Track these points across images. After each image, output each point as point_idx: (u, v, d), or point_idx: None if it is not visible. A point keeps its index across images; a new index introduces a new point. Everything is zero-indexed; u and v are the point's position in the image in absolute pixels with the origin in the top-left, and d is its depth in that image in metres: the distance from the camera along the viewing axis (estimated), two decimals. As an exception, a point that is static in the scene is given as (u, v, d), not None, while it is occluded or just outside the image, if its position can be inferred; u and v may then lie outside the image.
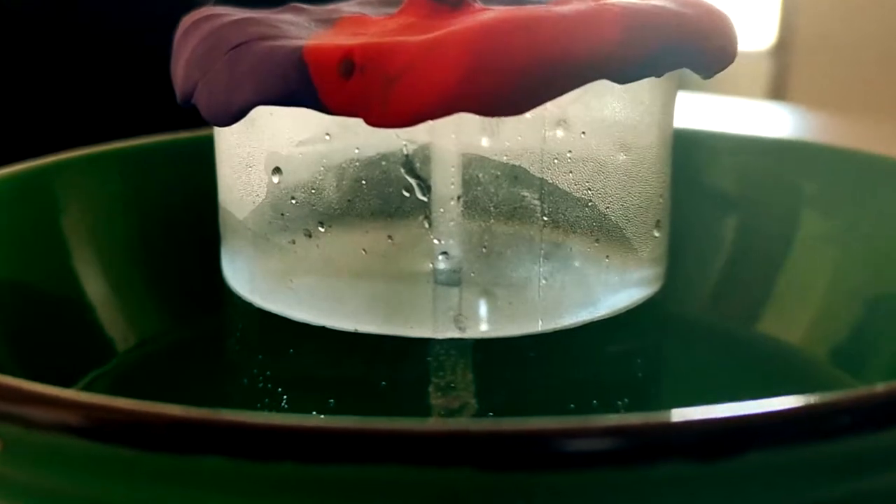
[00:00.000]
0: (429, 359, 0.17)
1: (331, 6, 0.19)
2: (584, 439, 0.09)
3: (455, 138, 0.15)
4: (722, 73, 0.16)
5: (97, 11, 0.34)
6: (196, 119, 0.18)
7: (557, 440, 0.09)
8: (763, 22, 1.31)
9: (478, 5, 0.16)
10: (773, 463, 0.10)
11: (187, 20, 0.17)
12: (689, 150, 0.22)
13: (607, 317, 0.16)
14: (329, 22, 0.17)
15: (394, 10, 0.18)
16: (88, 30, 0.34)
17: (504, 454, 0.09)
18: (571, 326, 0.16)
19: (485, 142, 0.15)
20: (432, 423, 0.09)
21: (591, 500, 0.10)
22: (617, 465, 0.09)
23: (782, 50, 1.27)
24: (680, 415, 0.10)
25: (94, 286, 0.21)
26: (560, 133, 0.15)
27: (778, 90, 1.26)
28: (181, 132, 0.23)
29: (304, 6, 0.18)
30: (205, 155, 0.19)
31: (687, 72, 0.16)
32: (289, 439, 0.10)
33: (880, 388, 0.10)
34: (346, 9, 0.18)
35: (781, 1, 1.27)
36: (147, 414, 0.10)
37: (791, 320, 0.21)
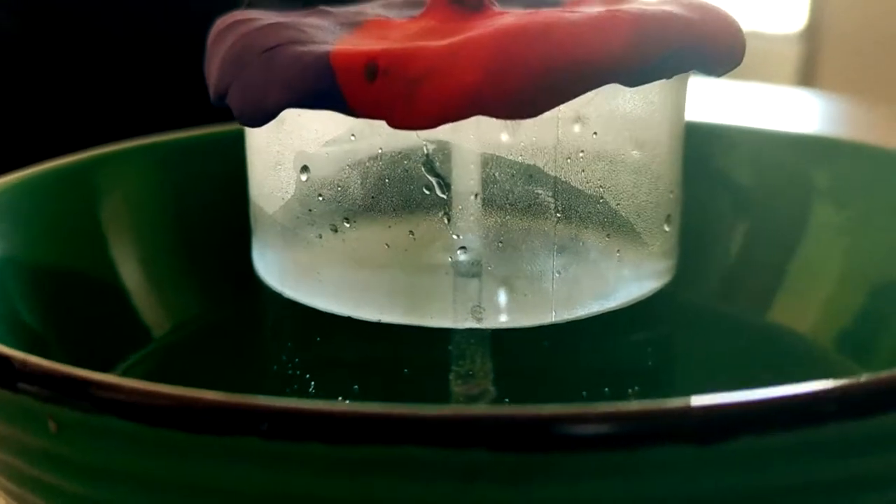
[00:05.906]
0: (450, 347, 0.18)
1: (355, 8, 0.19)
2: (584, 424, 0.10)
3: (474, 139, 0.16)
4: (752, 56, 0.16)
5: (135, 9, 0.35)
6: (221, 115, 0.19)
7: (561, 425, 0.10)
8: (793, 5, 1.29)
9: (495, 9, 0.17)
10: (766, 446, 0.11)
11: (220, 24, 0.18)
12: (703, 144, 0.23)
13: (618, 308, 0.17)
14: (354, 25, 0.18)
15: (415, 12, 0.18)
16: (124, 28, 0.35)
17: (514, 438, 0.10)
18: (584, 317, 0.17)
19: (502, 142, 0.16)
20: (447, 409, 0.10)
21: (592, 480, 0.11)
22: (616, 448, 0.10)
23: (812, 33, 1.26)
24: (674, 402, 0.10)
25: (132, 274, 0.22)
26: (573, 133, 0.16)
27: (807, 74, 1.25)
28: (213, 126, 0.24)
29: (330, 9, 0.19)
30: (236, 148, 0.20)
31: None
32: (316, 423, 0.11)
33: (864, 378, 0.11)
34: (370, 11, 0.19)
35: (811, -16, 1.26)
36: (191, 399, 0.11)
37: (801, 310, 0.22)
